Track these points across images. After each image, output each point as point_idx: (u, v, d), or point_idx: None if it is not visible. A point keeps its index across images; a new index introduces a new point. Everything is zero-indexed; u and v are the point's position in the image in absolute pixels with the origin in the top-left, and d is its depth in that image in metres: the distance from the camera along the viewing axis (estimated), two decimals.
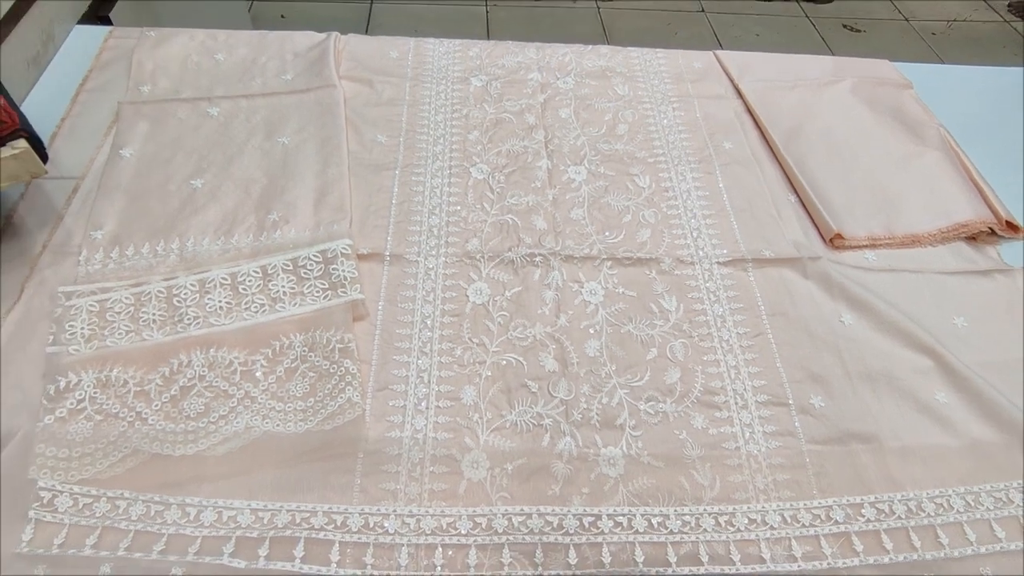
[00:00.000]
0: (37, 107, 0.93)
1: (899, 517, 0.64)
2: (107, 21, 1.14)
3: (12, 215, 0.80)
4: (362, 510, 0.60)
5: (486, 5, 2.45)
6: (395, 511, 0.61)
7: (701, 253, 0.84)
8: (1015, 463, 0.69)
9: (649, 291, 0.79)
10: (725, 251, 0.84)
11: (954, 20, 2.91)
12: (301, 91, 0.97)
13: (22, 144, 0.67)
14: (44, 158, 0.71)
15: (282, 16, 2.33)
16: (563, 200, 0.88)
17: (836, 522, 0.63)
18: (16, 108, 0.69)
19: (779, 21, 2.73)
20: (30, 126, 0.70)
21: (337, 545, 0.58)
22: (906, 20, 2.86)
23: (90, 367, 0.67)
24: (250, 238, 0.79)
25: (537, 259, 0.80)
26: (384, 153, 0.92)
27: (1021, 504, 0.65)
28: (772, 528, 0.62)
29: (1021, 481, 0.67)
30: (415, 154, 0.92)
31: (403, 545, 0.59)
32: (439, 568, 0.58)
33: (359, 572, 0.57)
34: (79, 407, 0.64)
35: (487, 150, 0.93)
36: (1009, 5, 2.90)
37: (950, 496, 0.66)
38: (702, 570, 0.59)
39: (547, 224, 0.84)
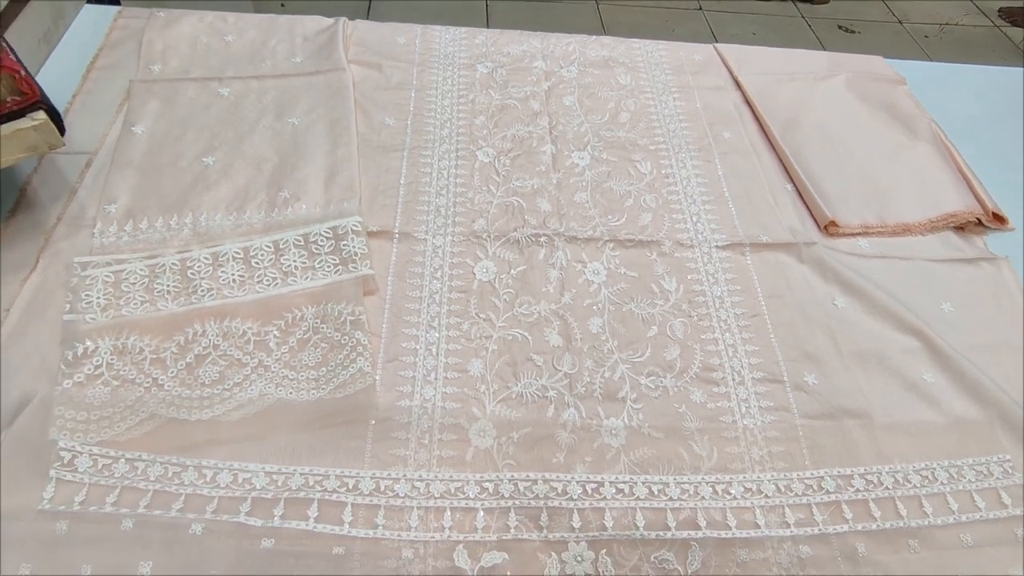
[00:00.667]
0: (48, 84, 0.93)
1: (886, 488, 0.67)
2: (116, 1, 1.15)
3: (26, 188, 0.81)
4: (373, 474, 0.63)
5: (486, 0, 2.47)
6: (405, 475, 0.63)
7: (700, 237, 0.86)
8: (996, 439, 0.72)
9: (650, 272, 0.82)
10: (723, 235, 0.87)
11: (946, 24, 2.96)
12: (311, 73, 0.99)
13: (41, 116, 0.68)
14: (62, 130, 0.72)
15: (282, 5, 2.34)
16: (567, 184, 0.90)
17: (827, 491, 0.66)
18: (35, 81, 0.70)
19: (776, 20, 2.77)
20: (48, 99, 0.72)
21: (349, 507, 0.60)
22: (899, 23, 2.91)
23: (106, 335, 0.68)
24: (262, 214, 0.81)
25: (542, 239, 0.83)
26: (392, 135, 0.93)
27: (1000, 476, 0.69)
28: (766, 496, 0.65)
29: (1001, 455, 0.70)
30: (423, 137, 0.94)
31: (413, 507, 0.61)
32: (448, 530, 0.60)
33: (371, 532, 0.59)
34: (96, 373, 0.66)
35: (493, 135, 0.95)
36: (1000, 11, 2.95)
37: (935, 469, 0.69)
38: (700, 534, 0.62)
39: (551, 206, 0.87)
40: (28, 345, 0.68)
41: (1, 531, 0.56)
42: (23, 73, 0.68)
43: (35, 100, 0.68)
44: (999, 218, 0.93)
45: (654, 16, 2.67)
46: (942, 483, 0.68)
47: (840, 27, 2.78)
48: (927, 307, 0.83)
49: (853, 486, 0.67)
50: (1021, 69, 1.26)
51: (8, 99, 0.66)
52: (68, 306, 0.70)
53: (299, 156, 0.88)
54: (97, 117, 0.90)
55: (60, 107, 0.90)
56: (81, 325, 0.68)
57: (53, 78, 0.95)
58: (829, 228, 0.89)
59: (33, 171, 0.83)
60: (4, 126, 0.66)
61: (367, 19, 1.12)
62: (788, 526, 0.63)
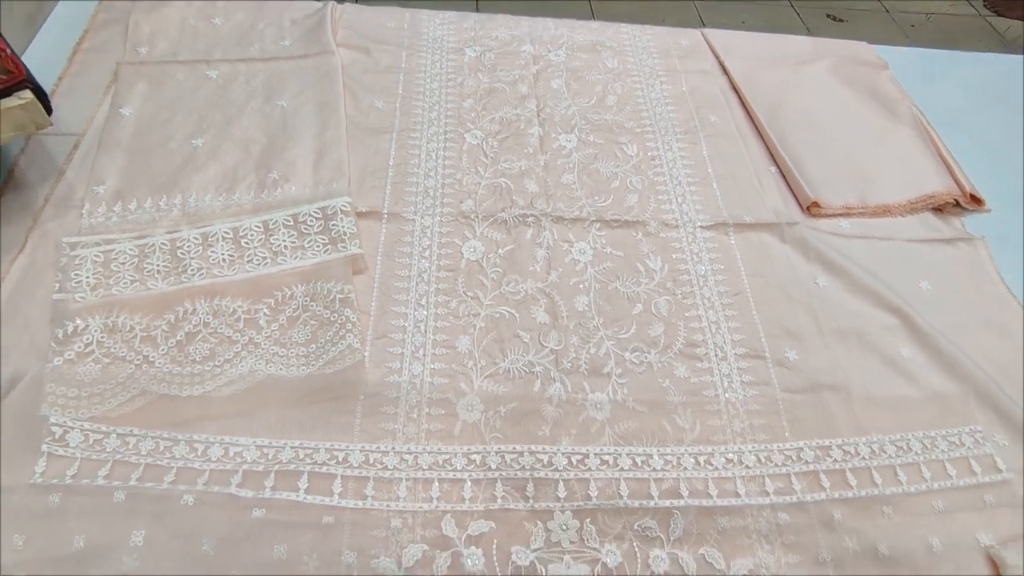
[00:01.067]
0: (33, 66, 0.92)
1: (863, 458, 0.69)
2: None
3: (13, 169, 0.81)
4: (362, 447, 0.64)
5: None
6: (394, 448, 0.64)
7: (685, 217, 0.88)
8: (970, 412, 0.74)
9: (635, 251, 0.83)
10: (708, 216, 0.88)
11: (933, 13, 2.98)
12: (299, 57, 0.99)
13: (28, 95, 0.69)
14: (48, 110, 0.72)
15: None
16: (554, 165, 0.91)
17: (806, 462, 0.68)
18: (20, 60, 0.70)
19: (765, 8, 2.77)
20: (34, 78, 0.72)
21: (339, 479, 0.61)
22: (887, 12, 2.93)
23: (97, 313, 0.69)
24: (251, 195, 0.82)
25: (529, 219, 0.84)
26: (381, 118, 0.94)
27: (971, 446, 0.71)
28: (747, 467, 0.67)
29: (973, 427, 0.72)
30: (411, 119, 0.95)
31: (402, 479, 0.62)
32: (436, 500, 0.61)
33: (360, 503, 0.60)
34: (87, 350, 0.66)
35: (481, 117, 0.96)
36: (985, 1, 2.97)
37: (909, 440, 0.71)
38: (682, 503, 0.63)
39: (539, 187, 0.88)
40: (18, 324, 0.68)
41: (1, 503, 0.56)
42: (8, 52, 0.68)
43: (21, 79, 0.68)
44: (976, 200, 0.95)
45: (643, 5, 2.67)
46: (916, 453, 0.70)
47: (829, 15, 2.79)
48: (906, 286, 0.85)
49: (831, 456, 0.69)
50: (1002, 55, 1.28)
51: None
52: (58, 285, 0.70)
53: (288, 138, 0.88)
54: (84, 99, 0.90)
55: (46, 89, 0.90)
56: (71, 304, 0.69)
57: (38, 60, 0.94)
58: (812, 209, 0.91)
59: (21, 152, 0.83)
60: None
61: (355, 3, 1.12)
62: (767, 495, 0.65)
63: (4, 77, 0.67)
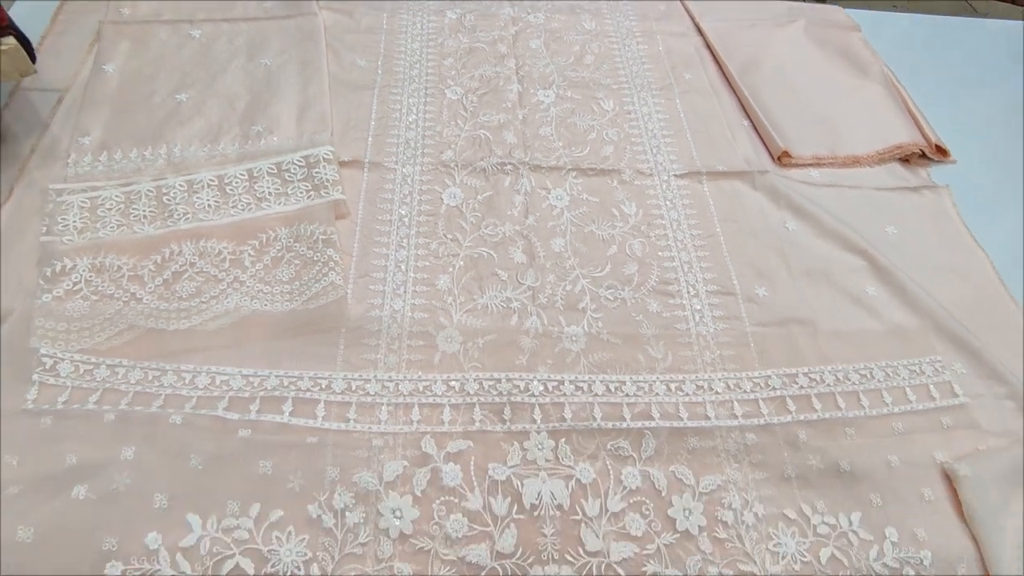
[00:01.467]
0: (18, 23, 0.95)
1: (828, 385, 0.72)
2: None
3: None
4: (345, 376, 0.66)
5: None
6: (375, 376, 0.66)
7: (659, 167, 0.90)
8: (930, 344, 0.77)
9: (611, 198, 0.86)
10: (681, 165, 0.91)
11: None
12: (282, 18, 1.01)
13: (11, 41, 0.70)
14: (32, 58, 0.74)
15: None
16: (532, 119, 0.93)
17: (773, 388, 0.71)
18: (3, 9, 0.71)
19: None
20: (18, 27, 0.73)
21: (322, 404, 0.64)
22: None
23: (84, 254, 0.70)
24: (235, 146, 0.83)
25: (507, 168, 0.86)
26: (363, 75, 0.96)
27: (931, 374, 0.74)
28: (717, 393, 0.70)
29: (933, 357, 0.75)
30: (393, 77, 0.96)
31: (383, 404, 0.65)
32: (416, 423, 0.64)
33: (343, 426, 0.63)
34: (75, 288, 0.68)
35: (461, 75, 0.98)
36: None
37: (873, 369, 0.74)
38: (653, 424, 0.66)
39: (517, 139, 0.90)
40: (5, 267, 0.70)
41: None
42: None
43: (3, 25, 0.69)
44: (942, 151, 0.99)
45: None
46: (878, 380, 0.73)
47: None
48: (873, 230, 0.88)
49: (797, 383, 0.72)
50: (971, 19, 1.32)
51: None
52: (45, 229, 0.72)
53: (272, 94, 0.90)
54: (68, 57, 0.91)
55: None
56: (58, 246, 0.71)
57: (22, 18, 0.95)
58: (782, 159, 0.94)
59: (4, 106, 0.84)
60: None
61: None
62: (736, 418, 0.68)
63: None
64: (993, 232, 0.90)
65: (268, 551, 0.55)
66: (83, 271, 0.69)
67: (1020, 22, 1.30)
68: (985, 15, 2.21)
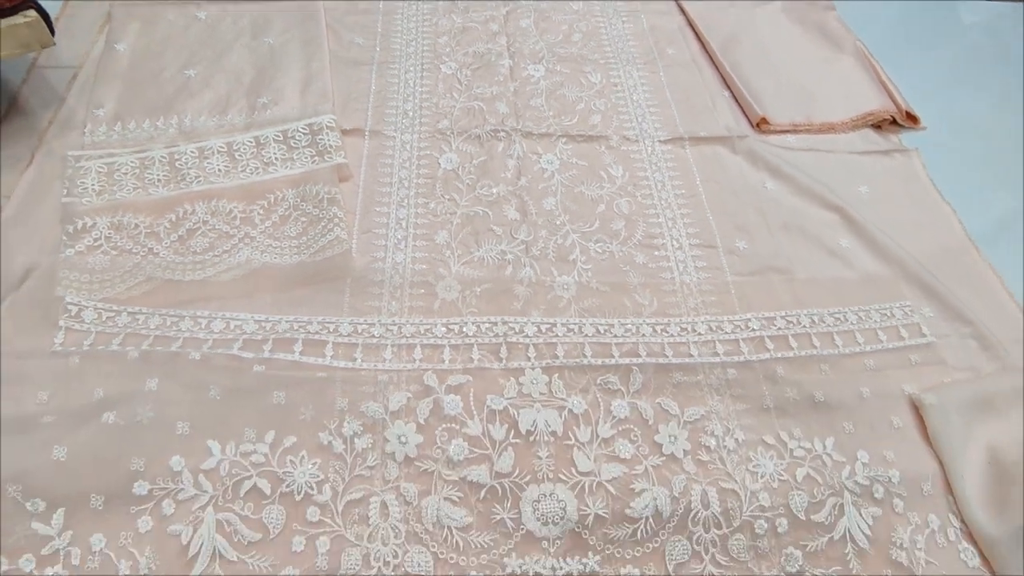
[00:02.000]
0: None
1: (804, 326, 0.77)
2: None
3: (16, 96, 0.87)
4: (351, 320, 0.70)
5: None
6: (380, 321, 0.71)
7: (645, 133, 0.95)
8: (899, 290, 0.82)
9: (599, 161, 0.90)
10: (665, 132, 0.96)
11: None
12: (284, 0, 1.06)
13: (33, 14, 0.74)
14: (52, 31, 0.78)
15: None
16: (523, 91, 0.98)
17: (753, 330, 0.76)
18: None
19: None
20: (38, 2, 0.77)
21: (331, 344, 0.68)
22: None
23: (103, 214, 0.75)
24: (243, 116, 0.88)
25: (500, 135, 0.91)
26: (362, 52, 1.01)
27: (901, 317, 0.79)
28: (700, 334, 0.75)
29: (903, 302, 0.80)
30: (390, 54, 1.01)
31: (387, 345, 0.69)
32: (418, 361, 0.68)
33: (350, 364, 0.67)
34: (96, 244, 0.73)
35: (455, 51, 1.03)
36: None
37: (846, 312, 0.79)
38: (640, 361, 0.71)
39: (509, 109, 0.95)
40: (29, 226, 0.75)
41: (16, 368, 0.62)
42: None
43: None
44: (912, 118, 1.04)
45: None
46: (851, 323, 0.78)
47: None
48: (847, 189, 0.93)
49: (775, 325, 0.76)
50: (940, 2, 1.37)
51: None
52: (66, 191, 0.77)
53: (276, 69, 0.95)
54: (80, 37, 0.96)
55: None
56: (78, 206, 0.75)
57: None
58: (761, 125, 0.99)
59: (22, 82, 0.89)
60: (0, 22, 0.72)
61: None
62: (718, 356, 0.73)
63: None
64: (959, 190, 0.95)
65: (283, 473, 0.59)
66: (103, 228, 0.73)
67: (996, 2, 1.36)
68: None
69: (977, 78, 1.18)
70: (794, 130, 1.00)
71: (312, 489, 0.59)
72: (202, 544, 0.55)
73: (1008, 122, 1.10)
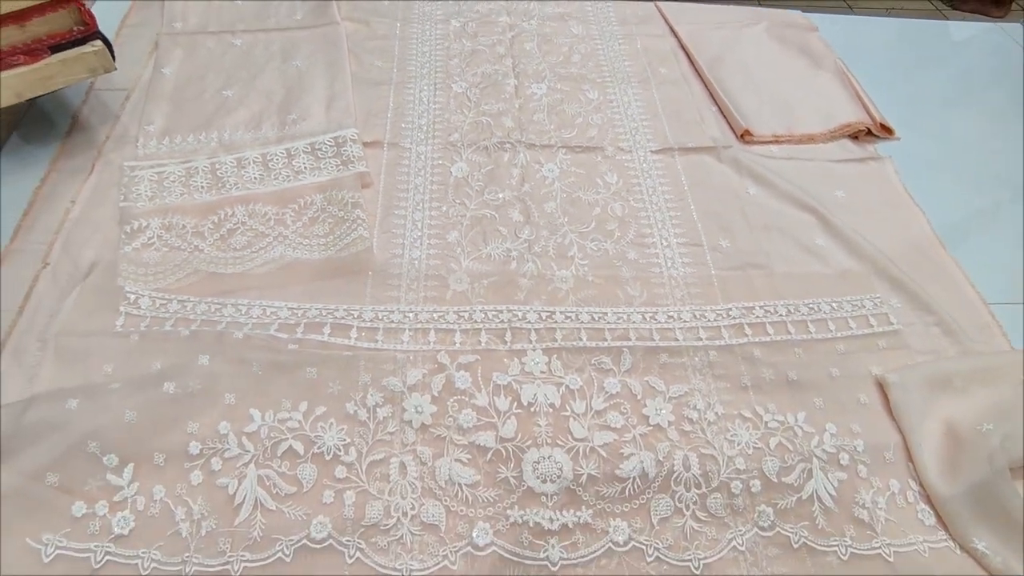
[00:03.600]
0: None
1: (780, 315, 0.85)
2: None
3: (77, 115, 0.98)
4: (373, 308, 0.80)
5: None
6: (398, 308, 0.80)
7: (637, 144, 1.05)
8: (871, 285, 0.90)
9: (595, 170, 1.00)
10: (657, 143, 1.05)
11: (892, 8, 3.19)
12: (310, 27, 1.17)
13: (99, 44, 0.85)
14: (113, 58, 0.89)
15: None
16: (527, 107, 1.08)
17: (733, 318, 0.84)
18: (93, 15, 0.87)
19: None
20: (103, 33, 0.89)
21: (355, 328, 0.77)
22: (849, 7, 3.14)
23: (155, 216, 0.85)
24: (275, 131, 0.98)
25: (506, 146, 1.01)
26: (380, 73, 1.11)
27: (871, 308, 0.87)
28: (685, 321, 0.83)
29: (873, 295, 0.88)
30: (406, 75, 1.12)
31: (405, 329, 0.78)
32: (432, 344, 0.77)
33: (372, 345, 0.76)
34: (149, 242, 0.83)
35: (465, 72, 1.13)
36: None
37: (820, 303, 0.87)
38: (630, 343, 0.79)
39: (514, 123, 1.05)
40: (92, 226, 0.85)
41: (84, 345, 0.72)
42: (85, 7, 0.85)
43: (95, 30, 0.85)
44: (887, 129, 1.12)
45: None
46: (824, 312, 0.86)
47: None
48: (824, 193, 1.01)
49: (754, 314, 0.85)
50: (922, 21, 1.47)
51: (75, 28, 0.83)
52: (123, 197, 0.87)
53: (303, 89, 1.05)
54: (132, 63, 1.07)
55: None
56: (134, 209, 0.85)
57: None
58: (745, 137, 1.08)
59: (82, 103, 1.00)
60: (73, 50, 0.83)
61: None
62: (701, 340, 0.81)
63: (82, 28, 0.84)
64: (930, 194, 1.03)
65: (314, 436, 0.68)
66: (155, 229, 0.84)
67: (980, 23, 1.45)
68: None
69: (953, 94, 1.26)
70: (776, 141, 1.09)
71: (340, 451, 0.67)
72: (245, 495, 0.64)
73: (975, 130, 1.19)
